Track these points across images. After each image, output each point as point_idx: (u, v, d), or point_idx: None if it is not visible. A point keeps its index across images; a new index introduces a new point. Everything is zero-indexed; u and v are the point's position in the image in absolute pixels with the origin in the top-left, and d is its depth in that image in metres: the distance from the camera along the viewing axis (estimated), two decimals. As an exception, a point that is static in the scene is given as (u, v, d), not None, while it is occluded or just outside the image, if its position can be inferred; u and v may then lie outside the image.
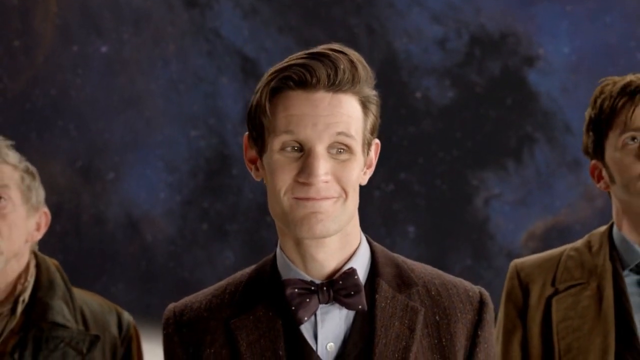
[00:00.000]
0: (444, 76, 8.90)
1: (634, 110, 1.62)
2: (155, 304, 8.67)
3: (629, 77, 1.67)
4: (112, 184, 8.79)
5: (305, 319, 1.20)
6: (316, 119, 1.15)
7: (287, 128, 1.15)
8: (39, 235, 1.81)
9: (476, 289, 1.30)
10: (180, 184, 8.86)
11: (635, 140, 1.62)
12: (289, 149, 1.17)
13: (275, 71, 1.18)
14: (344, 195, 1.19)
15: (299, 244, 1.21)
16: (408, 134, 8.88)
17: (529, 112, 8.86)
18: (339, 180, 1.18)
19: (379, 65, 8.92)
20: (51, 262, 1.82)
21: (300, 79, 1.15)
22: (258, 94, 1.19)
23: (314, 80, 1.15)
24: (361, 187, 1.25)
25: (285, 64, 1.18)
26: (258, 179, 1.25)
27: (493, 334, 1.30)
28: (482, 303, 1.28)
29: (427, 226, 8.87)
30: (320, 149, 1.15)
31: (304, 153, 1.16)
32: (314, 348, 1.21)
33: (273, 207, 1.21)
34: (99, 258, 8.91)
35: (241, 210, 8.89)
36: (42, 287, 1.75)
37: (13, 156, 1.78)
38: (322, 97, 1.16)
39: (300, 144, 1.16)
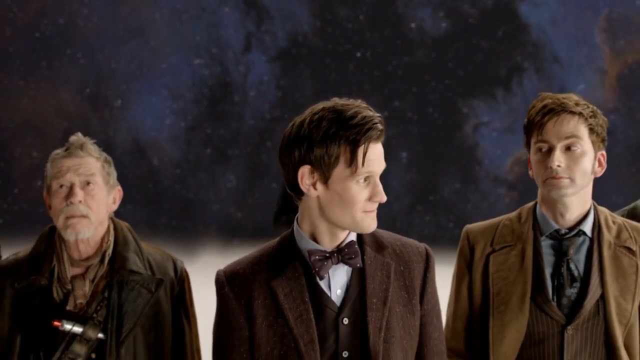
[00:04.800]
0: (438, 8, 9.29)
1: (544, 126, 2.22)
2: (163, 224, 9.28)
3: (547, 99, 2.27)
4: (120, 110, 9.22)
5: (325, 275, 1.84)
6: (380, 161, 1.82)
7: (367, 170, 1.79)
8: (115, 207, 2.46)
9: (422, 246, 1.99)
10: (185, 111, 9.29)
11: (543, 149, 2.24)
12: (361, 180, 1.80)
13: (357, 132, 1.78)
14: None
15: (332, 232, 1.85)
16: (402, 63, 9.31)
17: (519, 43, 9.28)
18: None
19: (376, -3, 9.30)
20: (124, 225, 2.47)
21: (375, 137, 1.84)
22: (344, 143, 1.78)
23: (380, 138, 1.85)
24: None
25: (361, 127, 1.78)
26: (314, 196, 1.83)
27: (435, 275, 2.01)
28: (427, 255, 1.95)
29: (419, 151, 9.42)
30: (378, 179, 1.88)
31: (368, 182, 1.81)
32: (329, 294, 1.85)
33: (341, 216, 1.81)
34: (108, 180, 9.36)
35: (242, 135, 9.39)
36: (120, 244, 2.41)
37: (95, 150, 2.41)
38: (379, 146, 1.83)
39: (367, 176, 1.81)
